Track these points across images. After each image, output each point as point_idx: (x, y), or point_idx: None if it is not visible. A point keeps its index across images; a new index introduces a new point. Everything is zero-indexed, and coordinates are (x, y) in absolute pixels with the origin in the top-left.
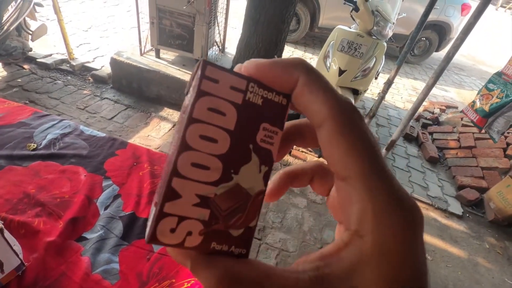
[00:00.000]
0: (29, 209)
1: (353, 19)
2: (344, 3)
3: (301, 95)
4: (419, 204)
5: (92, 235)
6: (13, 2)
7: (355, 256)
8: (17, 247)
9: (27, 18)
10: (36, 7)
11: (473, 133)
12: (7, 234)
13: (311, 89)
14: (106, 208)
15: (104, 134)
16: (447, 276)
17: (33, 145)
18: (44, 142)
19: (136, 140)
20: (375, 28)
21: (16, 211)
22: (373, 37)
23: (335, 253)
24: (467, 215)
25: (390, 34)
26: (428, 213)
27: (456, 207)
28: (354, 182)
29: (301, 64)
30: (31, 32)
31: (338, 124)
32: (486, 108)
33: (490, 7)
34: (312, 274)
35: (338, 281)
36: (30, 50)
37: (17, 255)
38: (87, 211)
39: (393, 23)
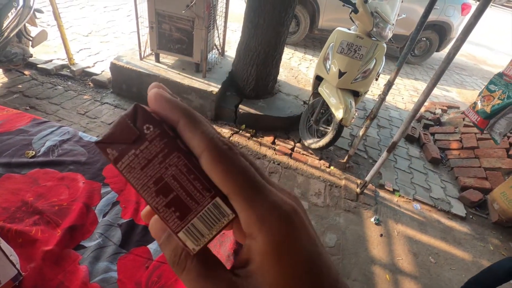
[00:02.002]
0: (27, 218)
1: (352, 21)
2: (343, 5)
3: (183, 132)
4: (422, 206)
5: (91, 243)
6: (13, 8)
7: (255, 255)
8: (14, 257)
9: (27, 24)
10: (36, 13)
11: (475, 133)
12: (3, 244)
13: (190, 129)
14: (104, 216)
15: None
16: (451, 279)
17: (32, 153)
18: (42, 149)
19: None
20: (374, 29)
21: (13, 220)
22: (373, 38)
23: (242, 257)
24: (471, 216)
25: (390, 35)
26: (431, 214)
27: (459, 209)
28: (234, 197)
29: (181, 109)
30: (31, 38)
31: (212, 154)
32: (488, 109)
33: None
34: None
35: (245, 282)
36: (31, 56)
37: (14, 265)
38: (86, 218)
39: (393, 24)
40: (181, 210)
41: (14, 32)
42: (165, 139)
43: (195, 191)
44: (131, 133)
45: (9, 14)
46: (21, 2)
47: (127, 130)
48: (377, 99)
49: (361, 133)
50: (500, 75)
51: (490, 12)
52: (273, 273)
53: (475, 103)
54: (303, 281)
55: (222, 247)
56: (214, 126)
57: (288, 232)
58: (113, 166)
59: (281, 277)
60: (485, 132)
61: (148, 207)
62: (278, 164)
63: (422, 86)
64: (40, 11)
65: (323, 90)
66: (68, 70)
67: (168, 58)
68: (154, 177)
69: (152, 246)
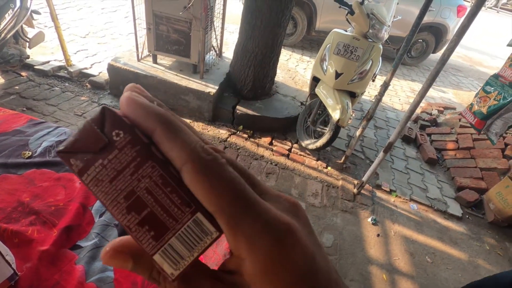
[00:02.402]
0: (23, 218)
1: (349, 23)
2: (340, 7)
3: (160, 143)
4: (418, 206)
5: (87, 243)
6: (10, 10)
7: (243, 273)
8: (10, 256)
9: (24, 26)
10: (34, 15)
11: (471, 134)
12: None
13: (168, 138)
14: (101, 216)
15: None
16: (447, 279)
17: (28, 153)
18: (39, 150)
19: None
20: (370, 31)
21: (10, 220)
22: (369, 40)
23: (230, 265)
24: (467, 216)
25: (386, 36)
26: (428, 215)
27: (455, 209)
28: (220, 216)
29: (156, 116)
30: (28, 40)
31: (195, 167)
32: (484, 110)
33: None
34: None
35: None
36: (28, 57)
37: (10, 265)
38: (82, 218)
39: (389, 25)
40: (157, 228)
41: (11, 33)
42: (137, 146)
43: (172, 206)
44: (97, 140)
45: (6, 15)
46: (18, 4)
47: (93, 137)
48: (374, 100)
49: (358, 133)
50: (496, 76)
51: (487, 15)
52: None
53: (471, 104)
54: None
55: (219, 247)
56: (212, 127)
57: (281, 253)
58: (79, 179)
59: None
60: (482, 132)
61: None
62: (276, 165)
63: (418, 87)
64: (37, 12)
65: (320, 91)
66: (65, 72)
67: (165, 60)
68: (125, 190)
69: None
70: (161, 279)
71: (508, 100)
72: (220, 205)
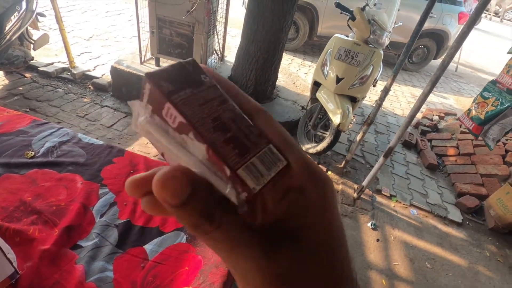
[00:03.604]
0: (25, 217)
1: (350, 28)
2: (341, 13)
3: (238, 96)
4: (419, 211)
5: (87, 243)
6: (16, 12)
7: (302, 209)
8: (12, 255)
9: (29, 28)
10: (39, 17)
11: (472, 140)
12: (1, 242)
13: (244, 95)
14: (102, 216)
15: (102, 142)
16: (447, 285)
17: (31, 153)
18: (42, 150)
19: (135, 147)
20: (371, 36)
21: (12, 219)
22: (370, 45)
23: (283, 213)
24: (467, 222)
25: (387, 42)
26: (428, 220)
27: (455, 215)
28: (288, 149)
29: (234, 86)
30: (33, 42)
31: (267, 114)
32: (482, 116)
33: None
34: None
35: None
36: (32, 59)
37: (11, 263)
38: (83, 219)
39: (390, 31)
40: (240, 148)
41: (16, 35)
42: (220, 91)
43: (251, 135)
44: (189, 75)
45: (12, 17)
46: (24, 6)
47: (185, 71)
48: (375, 105)
49: (358, 138)
50: (494, 82)
51: (491, 23)
52: (323, 226)
53: (469, 110)
54: (340, 249)
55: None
56: None
57: (333, 195)
58: (161, 101)
59: (329, 233)
60: (479, 138)
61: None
62: None
63: (419, 92)
64: (42, 15)
65: (321, 95)
66: (69, 73)
67: (168, 62)
68: (212, 115)
69: (148, 247)
70: (217, 212)
71: (505, 106)
72: (287, 142)
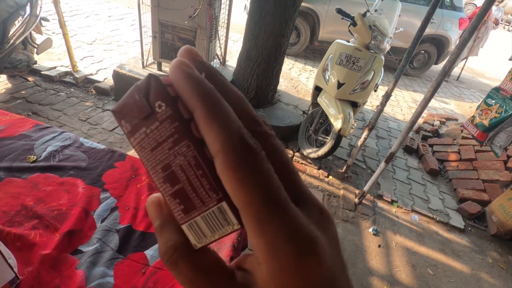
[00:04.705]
0: (26, 222)
1: (351, 34)
2: (342, 18)
3: (198, 123)
4: (420, 217)
5: (88, 248)
6: (20, 17)
7: (256, 277)
8: (12, 260)
9: (33, 32)
10: (42, 22)
11: (473, 145)
12: (2, 247)
13: (206, 121)
14: (103, 221)
15: (103, 146)
16: None
17: (33, 157)
18: (44, 154)
19: None
20: (372, 42)
21: (13, 224)
22: (371, 51)
23: (244, 263)
24: (469, 228)
25: (388, 48)
26: (429, 226)
27: (457, 221)
28: (245, 214)
29: (200, 93)
30: (36, 46)
31: (227, 159)
32: (486, 123)
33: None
34: None
35: None
36: (35, 63)
37: (12, 268)
38: (84, 223)
39: (391, 37)
40: (186, 204)
41: (20, 40)
42: (176, 123)
43: (201, 188)
44: (142, 108)
45: (16, 22)
46: (28, 11)
47: (139, 104)
48: (376, 110)
49: (359, 143)
50: (497, 89)
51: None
52: None
53: (473, 117)
54: None
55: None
56: None
57: (299, 272)
58: (129, 140)
59: None
60: (484, 144)
61: None
62: None
63: (420, 97)
64: (46, 19)
65: (322, 100)
66: (71, 77)
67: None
68: (162, 162)
69: (149, 252)
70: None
71: (509, 113)
72: (247, 203)
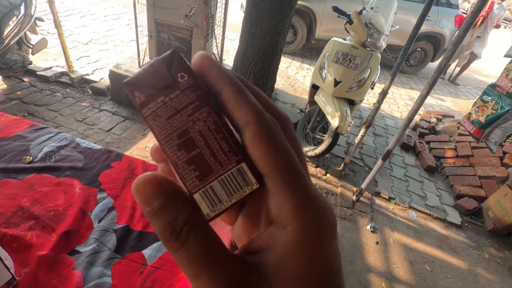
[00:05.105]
0: (23, 223)
1: (348, 32)
2: (339, 16)
3: (228, 100)
4: (418, 213)
5: (85, 249)
6: (15, 17)
7: (278, 244)
8: (9, 261)
9: (28, 32)
10: (37, 22)
11: (470, 142)
12: None
13: (237, 98)
14: (100, 221)
15: (100, 146)
16: (447, 287)
17: (29, 158)
18: (40, 155)
19: (134, 151)
20: (369, 40)
21: (9, 225)
22: (367, 48)
23: (254, 244)
24: (466, 224)
25: (384, 45)
26: (427, 222)
27: (454, 217)
28: (274, 176)
29: (228, 76)
30: (31, 46)
31: (259, 128)
32: (482, 119)
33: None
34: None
35: (271, 269)
36: (30, 63)
37: (8, 270)
38: (81, 224)
39: (387, 35)
40: (202, 169)
41: (15, 40)
42: (198, 92)
43: (220, 152)
44: (163, 78)
45: (10, 22)
46: (22, 11)
47: (160, 74)
48: (373, 108)
49: (356, 141)
50: (493, 86)
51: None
52: (297, 269)
53: (469, 114)
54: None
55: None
56: None
57: (324, 233)
58: (139, 111)
59: (302, 278)
60: (480, 141)
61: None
62: None
63: (417, 95)
64: (41, 19)
65: (319, 98)
66: (67, 78)
67: None
68: (179, 129)
69: (147, 252)
70: (183, 230)
71: (505, 109)
72: (276, 167)
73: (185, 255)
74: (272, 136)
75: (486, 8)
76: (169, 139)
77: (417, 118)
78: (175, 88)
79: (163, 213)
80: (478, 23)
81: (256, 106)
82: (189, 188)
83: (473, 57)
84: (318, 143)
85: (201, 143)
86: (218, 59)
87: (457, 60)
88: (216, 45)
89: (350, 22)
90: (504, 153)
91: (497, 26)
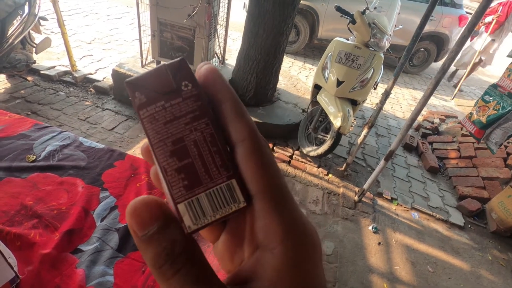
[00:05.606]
0: (26, 221)
1: (351, 31)
2: (342, 16)
3: (228, 114)
4: (420, 214)
5: (88, 247)
6: (19, 16)
7: (266, 269)
8: (12, 259)
9: (31, 31)
10: (41, 21)
11: (473, 143)
12: (2, 246)
13: (237, 113)
14: (102, 220)
15: (103, 146)
16: None
17: (32, 157)
18: (43, 154)
19: (136, 150)
20: (372, 40)
21: (13, 223)
22: (370, 48)
23: (243, 272)
24: (469, 225)
25: (387, 45)
26: (429, 224)
27: (457, 218)
28: (263, 197)
29: (231, 91)
30: (35, 45)
31: (254, 145)
32: (483, 119)
33: None
34: None
35: None
36: (34, 62)
37: (12, 268)
38: (84, 223)
39: (390, 35)
40: (191, 180)
41: (19, 39)
42: (200, 102)
43: (212, 164)
44: (167, 84)
45: (14, 21)
46: (26, 10)
47: (165, 79)
48: (375, 108)
49: (359, 141)
50: (495, 86)
51: None
52: None
53: (471, 114)
54: None
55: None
56: None
57: (310, 254)
58: (137, 112)
59: None
60: (481, 141)
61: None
62: None
63: (420, 95)
64: (44, 18)
65: (321, 98)
66: (71, 77)
67: None
68: (174, 136)
69: None
70: (176, 259)
71: (507, 110)
72: (266, 188)
73: (177, 285)
74: (265, 156)
75: (499, 12)
76: (163, 144)
77: (420, 118)
78: (178, 95)
79: (159, 238)
80: (491, 27)
81: (253, 124)
82: (174, 197)
83: (480, 62)
84: (320, 143)
85: (194, 153)
86: (220, 59)
87: (468, 67)
88: (219, 45)
89: (353, 22)
90: (508, 154)
91: None
